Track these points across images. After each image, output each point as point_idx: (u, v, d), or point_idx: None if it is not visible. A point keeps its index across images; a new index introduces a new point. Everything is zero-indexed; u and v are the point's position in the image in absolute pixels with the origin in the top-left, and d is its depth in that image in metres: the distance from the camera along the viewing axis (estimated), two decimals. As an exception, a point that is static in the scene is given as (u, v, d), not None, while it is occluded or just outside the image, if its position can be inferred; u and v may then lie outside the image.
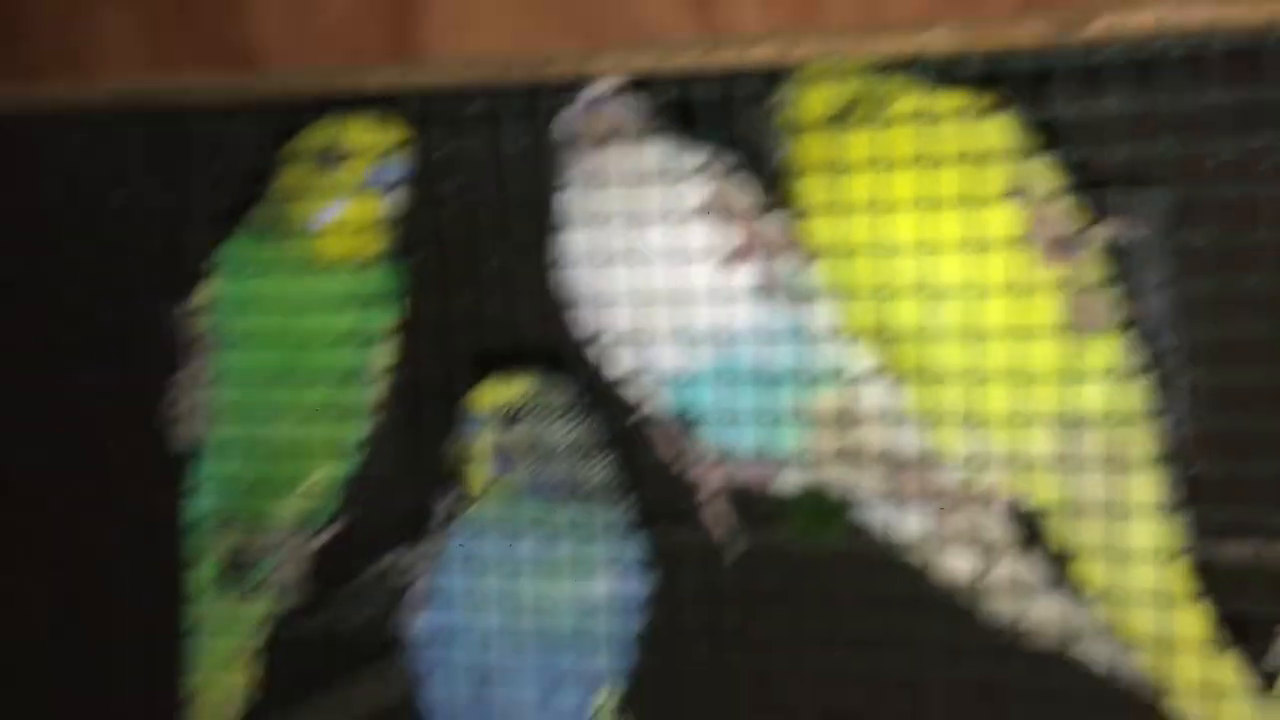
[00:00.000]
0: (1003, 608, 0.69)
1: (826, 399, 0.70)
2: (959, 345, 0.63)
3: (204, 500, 0.82)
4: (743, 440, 0.71)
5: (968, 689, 0.62)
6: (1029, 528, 0.68)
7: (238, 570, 0.80)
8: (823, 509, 0.75)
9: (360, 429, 0.82)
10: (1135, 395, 0.64)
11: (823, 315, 0.70)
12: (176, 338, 0.80)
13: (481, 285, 0.73)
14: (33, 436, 0.83)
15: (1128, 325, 0.64)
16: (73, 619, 0.84)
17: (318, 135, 0.78)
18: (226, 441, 0.80)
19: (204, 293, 0.80)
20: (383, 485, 0.83)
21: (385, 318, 0.81)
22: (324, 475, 0.81)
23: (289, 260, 0.78)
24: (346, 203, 0.77)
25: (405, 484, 0.80)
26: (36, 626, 0.85)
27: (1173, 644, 0.62)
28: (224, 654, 0.82)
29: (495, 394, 0.79)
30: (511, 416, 0.78)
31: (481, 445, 0.78)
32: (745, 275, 0.70)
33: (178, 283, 0.80)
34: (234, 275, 0.80)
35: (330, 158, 0.77)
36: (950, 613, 0.68)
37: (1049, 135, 0.64)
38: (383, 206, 0.78)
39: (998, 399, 0.63)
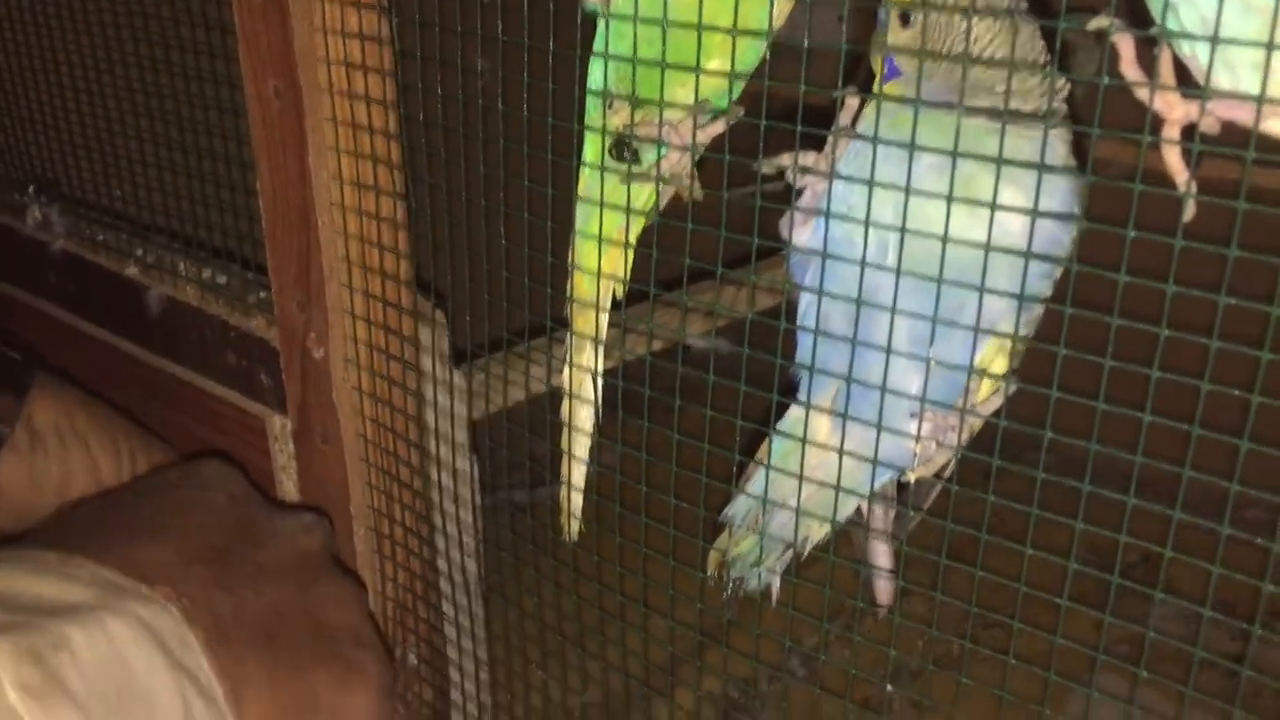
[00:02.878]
0: None
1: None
2: None
3: (600, 72, 0.78)
4: (1226, 70, 0.55)
5: None
6: None
7: (623, 150, 0.77)
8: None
9: (771, 10, 0.73)
10: None
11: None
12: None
13: None
14: None
15: None
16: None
17: None
18: (629, 9, 0.74)
19: None
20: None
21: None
22: (723, 62, 0.74)
23: None
24: None
25: (809, 79, 0.70)
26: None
27: None
28: (605, 232, 0.80)
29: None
30: (912, 8, 0.65)
31: (880, 42, 0.67)
32: None
33: None
34: None
35: None
36: None
37: None
38: None
39: None
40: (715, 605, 0.84)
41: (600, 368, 0.85)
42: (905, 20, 0.70)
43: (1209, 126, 0.56)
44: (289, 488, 1.22)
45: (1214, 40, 0.54)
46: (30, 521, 1.05)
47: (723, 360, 0.77)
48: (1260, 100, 0.54)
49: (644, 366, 0.83)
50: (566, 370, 0.87)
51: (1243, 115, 0.56)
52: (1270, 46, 0.53)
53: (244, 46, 0.99)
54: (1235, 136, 0.57)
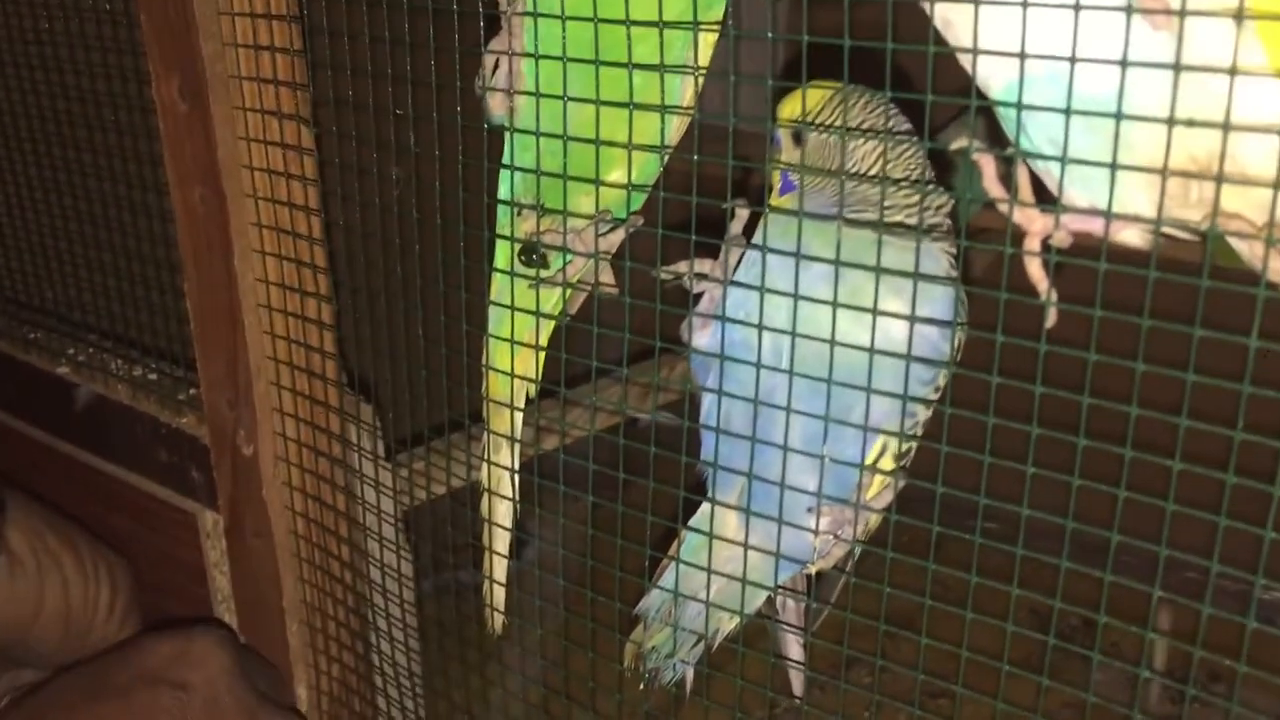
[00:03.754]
0: None
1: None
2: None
3: (508, 182, 0.81)
4: (1079, 184, 0.59)
5: None
6: None
7: (531, 257, 0.79)
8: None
9: (663, 129, 0.76)
10: None
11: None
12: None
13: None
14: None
15: None
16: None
17: None
18: (533, 124, 0.77)
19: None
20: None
21: (715, 8, 0.74)
22: (622, 174, 0.77)
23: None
24: None
25: (704, 193, 0.74)
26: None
27: None
28: (517, 335, 0.82)
29: (794, 104, 0.70)
30: (803, 129, 0.69)
31: (774, 159, 0.70)
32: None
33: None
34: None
35: None
36: None
37: None
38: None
39: None
40: (633, 696, 0.85)
41: (517, 465, 0.87)
42: (798, 139, 0.74)
43: (1060, 241, 0.60)
44: (222, 583, 1.22)
45: (1063, 160, 0.58)
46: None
47: (635, 457, 0.79)
48: (1108, 215, 0.58)
49: (558, 463, 0.85)
50: (485, 467, 0.89)
51: (1095, 228, 0.60)
52: (1114, 166, 0.56)
53: (169, 154, 1.02)
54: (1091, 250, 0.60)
